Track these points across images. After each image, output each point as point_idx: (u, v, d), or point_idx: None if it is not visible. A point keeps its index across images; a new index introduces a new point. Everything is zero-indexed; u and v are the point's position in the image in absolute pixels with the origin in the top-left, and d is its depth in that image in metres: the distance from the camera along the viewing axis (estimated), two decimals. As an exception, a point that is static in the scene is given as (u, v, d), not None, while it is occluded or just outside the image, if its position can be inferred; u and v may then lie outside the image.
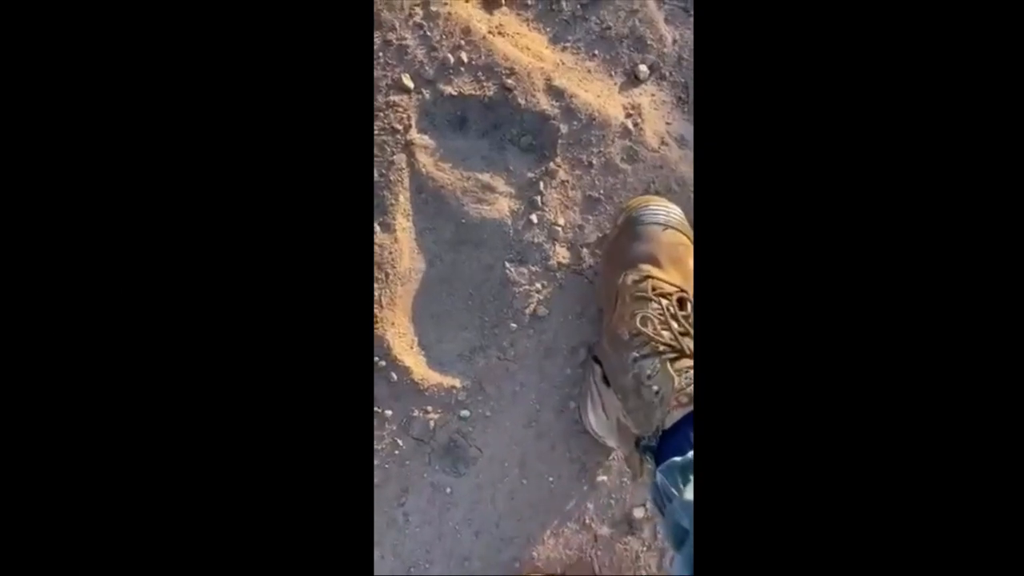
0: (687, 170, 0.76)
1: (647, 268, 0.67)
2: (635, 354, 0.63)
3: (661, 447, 0.58)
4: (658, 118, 0.77)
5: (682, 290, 0.66)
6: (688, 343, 0.62)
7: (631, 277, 0.67)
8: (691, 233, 0.71)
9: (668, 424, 0.58)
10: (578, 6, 0.78)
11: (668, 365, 0.61)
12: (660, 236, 0.69)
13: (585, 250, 0.76)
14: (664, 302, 0.64)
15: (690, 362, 0.61)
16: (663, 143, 0.77)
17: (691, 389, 0.59)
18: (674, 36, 0.78)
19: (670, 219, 0.70)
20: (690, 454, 0.55)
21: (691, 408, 0.59)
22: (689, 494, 0.52)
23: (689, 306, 0.66)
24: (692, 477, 0.53)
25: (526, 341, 0.75)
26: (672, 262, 0.68)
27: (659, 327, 0.63)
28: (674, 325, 0.63)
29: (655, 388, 0.60)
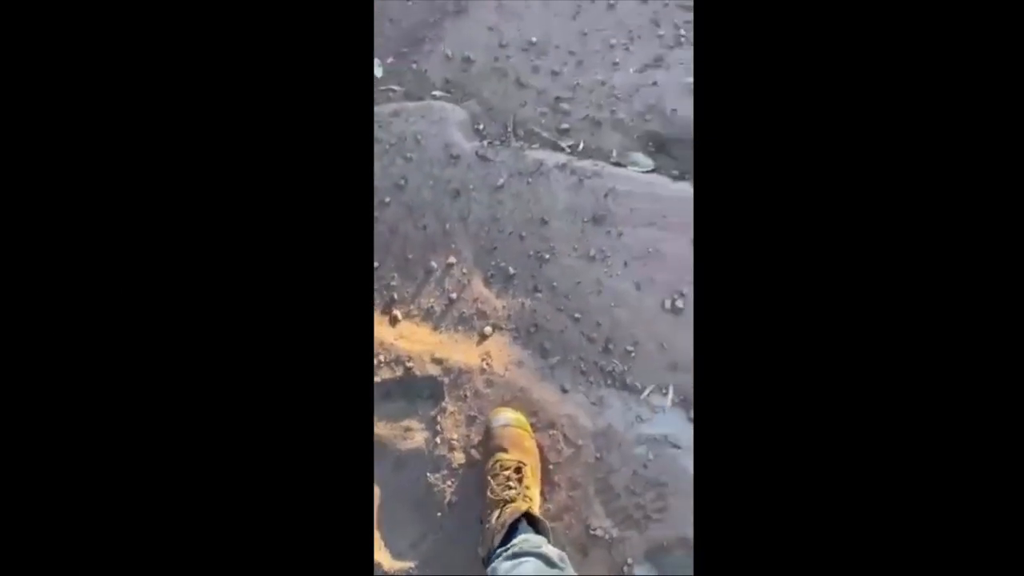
0: (524, 384, 1.18)
1: (498, 455, 1.06)
2: (488, 511, 0.99)
3: (491, 559, 0.92)
4: (503, 356, 1.22)
5: (520, 462, 1.04)
6: (513, 495, 0.98)
7: (489, 462, 1.06)
8: (526, 425, 1.11)
9: (496, 543, 0.93)
10: (445, 302, 1.29)
11: (500, 511, 0.97)
12: (504, 432, 1.09)
13: (473, 451, 1.16)
14: (506, 472, 1.02)
15: (512, 506, 0.97)
16: (507, 370, 1.20)
17: (493, 527, 0.94)
18: (504, 303, 1.27)
19: (510, 420, 1.10)
20: (496, 563, 0.89)
21: (503, 534, 0.93)
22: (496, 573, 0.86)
23: (524, 470, 1.03)
24: (495, 568, 0.87)
25: (449, 521, 1.12)
26: (514, 446, 1.07)
27: (500, 491, 1.00)
28: (511, 485, 1.00)
29: (487, 526, 0.96)
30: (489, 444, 1.09)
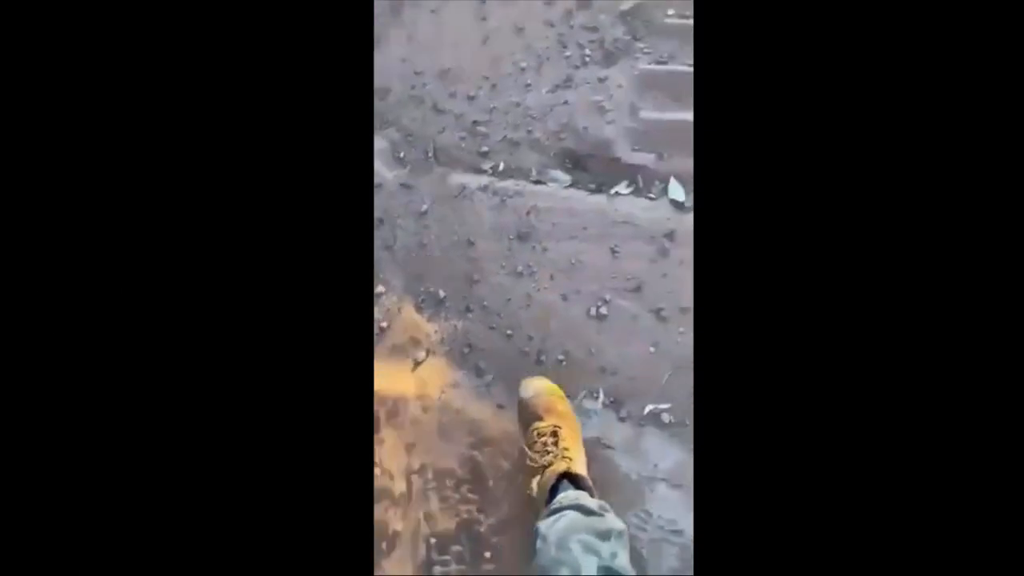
0: (460, 404, 1.18)
1: (534, 424, 1.05)
2: (528, 479, 1.00)
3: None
4: (437, 378, 1.22)
5: (556, 426, 1.03)
6: (551, 459, 0.98)
7: (526, 433, 1.05)
8: (557, 391, 1.09)
9: (542, 508, 0.93)
10: (376, 332, 1.28)
11: (539, 477, 0.97)
12: (535, 400, 1.08)
13: (414, 475, 1.14)
14: (543, 439, 1.01)
15: (550, 469, 0.96)
16: (443, 392, 1.20)
17: (534, 494, 0.95)
18: (436, 327, 1.27)
19: (540, 390, 1.09)
20: (538, 524, 0.87)
21: (546, 498, 0.93)
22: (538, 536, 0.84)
23: (560, 432, 1.02)
24: (537, 529, 0.86)
25: (395, 539, 1.10)
26: (547, 412, 1.06)
27: (538, 457, 1.00)
28: (549, 450, 0.99)
29: (529, 494, 0.98)
30: (524, 416, 1.07)
